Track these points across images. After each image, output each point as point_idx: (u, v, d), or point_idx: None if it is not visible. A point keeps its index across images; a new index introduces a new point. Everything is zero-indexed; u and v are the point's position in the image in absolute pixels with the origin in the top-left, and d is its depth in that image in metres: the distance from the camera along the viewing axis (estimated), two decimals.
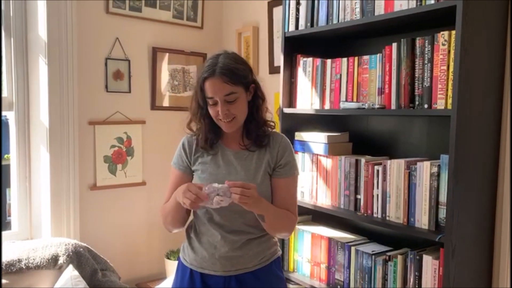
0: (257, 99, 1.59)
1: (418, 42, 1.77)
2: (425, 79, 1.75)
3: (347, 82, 2.06)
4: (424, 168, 1.75)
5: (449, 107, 1.64)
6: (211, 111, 1.52)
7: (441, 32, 1.68)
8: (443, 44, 1.67)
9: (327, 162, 2.14)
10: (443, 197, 1.69)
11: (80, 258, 2.33)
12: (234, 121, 1.52)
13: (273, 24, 2.80)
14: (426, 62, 1.74)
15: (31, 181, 2.60)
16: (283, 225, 1.57)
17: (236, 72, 1.48)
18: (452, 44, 1.64)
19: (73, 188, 2.62)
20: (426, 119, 2.02)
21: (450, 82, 1.64)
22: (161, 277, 2.93)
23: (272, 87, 2.76)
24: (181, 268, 1.62)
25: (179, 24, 3.03)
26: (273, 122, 1.65)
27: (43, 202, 2.58)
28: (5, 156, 2.82)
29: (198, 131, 1.60)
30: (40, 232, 2.60)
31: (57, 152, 2.56)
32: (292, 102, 2.31)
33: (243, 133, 1.60)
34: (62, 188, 2.58)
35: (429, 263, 1.74)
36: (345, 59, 2.06)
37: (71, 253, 2.31)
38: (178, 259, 1.67)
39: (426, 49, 1.74)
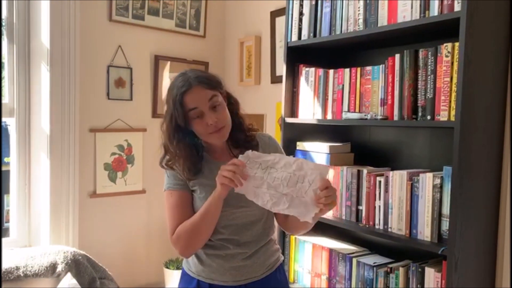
0: (232, 105, 1.53)
1: (421, 53, 1.77)
2: (428, 91, 1.74)
3: (349, 92, 2.05)
4: (427, 180, 1.74)
5: (452, 118, 1.64)
6: (198, 126, 1.42)
7: (445, 44, 1.68)
8: (446, 56, 1.67)
9: (329, 173, 2.13)
10: (445, 209, 1.68)
11: (79, 266, 2.31)
12: (225, 129, 1.44)
13: (276, 34, 2.81)
14: (429, 73, 1.74)
15: (31, 188, 2.59)
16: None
17: (210, 78, 1.46)
18: (456, 56, 1.64)
19: (73, 196, 2.61)
20: (429, 131, 2.01)
21: (453, 94, 1.64)
22: (160, 286, 2.91)
23: (274, 96, 2.78)
24: (186, 279, 1.58)
25: (181, 32, 3.04)
26: (252, 124, 1.58)
27: (43, 209, 2.57)
28: (5, 159, 2.80)
29: (176, 159, 1.46)
30: (38, 240, 2.58)
31: (58, 159, 2.55)
32: (294, 112, 2.30)
33: (229, 145, 1.53)
34: (61, 195, 2.57)
35: (432, 276, 1.73)
36: (347, 70, 2.06)
37: (69, 261, 2.29)
38: (182, 270, 1.62)
39: (429, 60, 1.74)
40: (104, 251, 2.71)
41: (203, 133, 1.44)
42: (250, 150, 1.39)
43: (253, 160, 1.37)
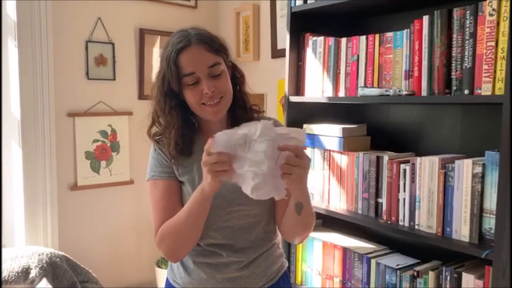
0: (237, 79, 1.32)
1: (457, 13, 1.48)
2: (466, 59, 1.46)
3: (366, 64, 1.79)
4: (465, 168, 1.46)
5: (498, 92, 1.36)
6: (190, 94, 1.21)
7: (488, 0, 1.38)
8: (491, 15, 1.38)
9: (342, 159, 1.86)
10: (488, 203, 1.41)
11: (56, 270, 2.12)
12: (222, 102, 1.22)
13: (276, 1, 2.59)
14: (467, 37, 1.45)
15: (2, 182, 2.36)
16: (312, 221, 1.26)
17: (215, 39, 1.24)
18: (503, 14, 1.35)
19: (50, 189, 2.45)
20: (460, 108, 1.73)
21: (500, 62, 1.36)
22: (151, 286, 2.78)
23: (276, 73, 2.59)
24: None
25: (169, 3, 2.86)
26: (257, 105, 1.38)
27: (16, 205, 2.39)
28: None
29: (165, 131, 1.27)
30: (12, 240, 2.40)
31: (31, 148, 2.39)
32: (299, 90, 2.05)
33: (227, 124, 1.30)
34: (37, 189, 2.41)
35: (471, 283, 1.45)
36: (363, 37, 1.80)
37: (45, 265, 2.10)
38: (166, 281, 1.41)
39: (468, 21, 1.45)
40: (87, 251, 2.57)
41: (195, 104, 1.22)
42: (220, 133, 1.08)
43: (228, 144, 1.07)
